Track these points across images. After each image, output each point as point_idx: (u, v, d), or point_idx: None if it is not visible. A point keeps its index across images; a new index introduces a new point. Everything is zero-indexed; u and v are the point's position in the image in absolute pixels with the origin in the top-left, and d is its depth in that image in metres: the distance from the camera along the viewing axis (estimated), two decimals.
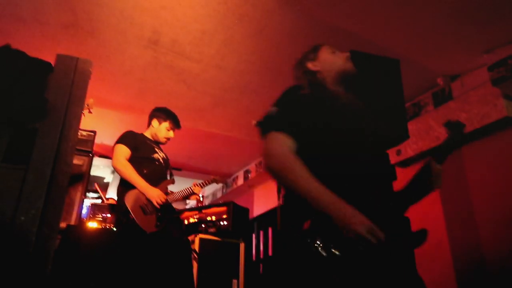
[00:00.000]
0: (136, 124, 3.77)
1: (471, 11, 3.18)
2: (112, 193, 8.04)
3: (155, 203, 2.99)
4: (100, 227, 3.82)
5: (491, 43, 3.57)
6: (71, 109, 1.59)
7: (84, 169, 3.50)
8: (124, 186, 3.05)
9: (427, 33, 3.46)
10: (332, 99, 1.64)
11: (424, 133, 4.19)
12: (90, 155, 3.59)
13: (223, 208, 4.09)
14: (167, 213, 3.09)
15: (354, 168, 1.43)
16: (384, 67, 2.67)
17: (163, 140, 3.33)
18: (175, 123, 3.38)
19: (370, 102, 2.44)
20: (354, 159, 1.45)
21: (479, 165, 3.84)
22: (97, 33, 3.68)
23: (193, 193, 3.27)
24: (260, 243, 4.74)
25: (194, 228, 4.10)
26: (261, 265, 4.63)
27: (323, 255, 1.22)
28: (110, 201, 5.31)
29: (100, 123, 5.26)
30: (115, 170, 3.10)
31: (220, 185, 8.30)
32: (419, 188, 1.59)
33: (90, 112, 3.29)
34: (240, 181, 7.45)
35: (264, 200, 6.83)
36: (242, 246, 4.00)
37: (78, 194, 3.38)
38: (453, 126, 1.67)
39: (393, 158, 4.32)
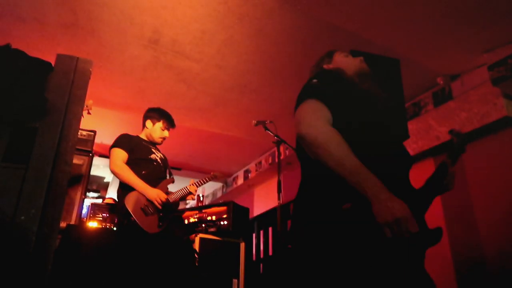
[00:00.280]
0: (136, 124, 3.77)
1: (471, 11, 3.18)
2: (112, 193, 8.05)
3: (156, 203, 2.99)
4: (100, 226, 3.82)
5: (491, 43, 3.57)
6: (71, 108, 1.60)
7: (84, 168, 3.49)
8: (124, 188, 3.04)
9: (427, 33, 3.46)
10: (357, 86, 1.65)
11: (424, 132, 4.19)
12: (90, 154, 3.58)
13: (223, 208, 4.09)
14: (169, 212, 3.08)
15: (379, 159, 1.37)
16: (384, 67, 2.67)
17: (158, 140, 3.33)
18: (169, 122, 3.37)
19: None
20: (380, 152, 1.42)
21: (479, 165, 3.84)
22: (97, 33, 3.68)
23: (189, 193, 3.27)
24: (260, 243, 4.74)
25: (194, 228, 4.10)
26: (261, 264, 4.63)
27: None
28: (110, 201, 5.32)
29: (100, 122, 5.26)
30: (113, 174, 3.10)
31: (220, 184, 8.31)
32: (436, 187, 1.58)
33: (89, 113, 3.29)
34: (240, 181, 7.45)
35: (264, 199, 6.83)
36: (242, 245, 4.00)
37: (78, 194, 3.38)
38: (458, 135, 1.68)
39: None
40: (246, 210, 4.31)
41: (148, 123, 3.34)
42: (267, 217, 4.73)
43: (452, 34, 3.47)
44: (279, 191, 3.51)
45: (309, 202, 1.43)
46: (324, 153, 1.28)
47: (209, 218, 4.12)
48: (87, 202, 4.13)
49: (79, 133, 3.39)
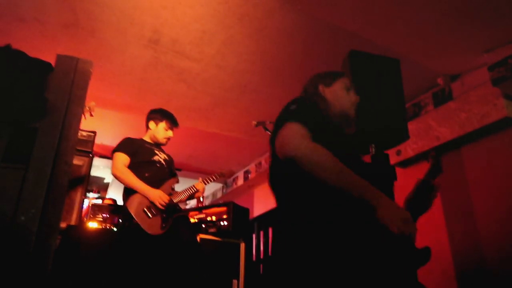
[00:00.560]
0: (136, 124, 3.77)
1: (471, 11, 3.18)
2: (112, 194, 8.04)
3: (158, 205, 2.98)
4: (100, 227, 3.82)
5: (491, 43, 3.57)
6: (71, 109, 1.60)
7: (84, 169, 3.49)
8: (127, 192, 3.05)
9: (427, 33, 3.46)
10: (329, 126, 1.64)
11: (424, 133, 4.19)
12: (90, 155, 3.58)
13: (223, 208, 4.08)
14: (173, 213, 3.07)
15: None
16: (384, 67, 2.67)
17: (163, 140, 3.33)
18: (172, 122, 3.37)
19: (370, 102, 2.45)
20: None
21: (479, 165, 3.84)
22: (98, 33, 3.68)
23: (197, 191, 3.26)
24: (260, 243, 4.74)
25: (194, 228, 4.10)
26: (261, 265, 4.62)
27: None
28: (110, 201, 5.32)
29: (100, 123, 5.26)
30: (115, 179, 3.10)
31: (220, 185, 8.31)
32: (419, 205, 1.62)
33: (91, 115, 3.29)
34: (240, 181, 7.45)
35: (264, 200, 6.82)
36: (242, 246, 4.00)
37: (78, 194, 3.38)
38: (434, 157, 1.77)
39: (393, 158, 4.32)
40: (246, 211, 4.31)
41: (151, 124, 3.34)
42: (267, 218, 4.72)
43: (452, 34, 3.47)
44: None
45: (292, 217, 1.45)
46: (321, 169, 1.31)
47: (209, 218, 4.12)
48: (87, 203, 4.13)
49: (79, 134, 3.39)
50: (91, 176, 3.68)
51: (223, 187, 8.25)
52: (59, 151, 1.50)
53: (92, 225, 3.77)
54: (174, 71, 4.26)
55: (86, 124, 3.21)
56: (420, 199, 1.65)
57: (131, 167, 3.10)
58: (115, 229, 3.76)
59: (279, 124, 1.49)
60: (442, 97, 4.18)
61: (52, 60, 1.65)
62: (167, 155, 3.37)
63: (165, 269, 2.85)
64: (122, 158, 3.11)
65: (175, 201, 3.10)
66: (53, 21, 3.54)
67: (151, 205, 2.98)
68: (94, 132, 3.72)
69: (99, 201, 5.63)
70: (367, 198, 1.26)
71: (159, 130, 3.32)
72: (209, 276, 3.63)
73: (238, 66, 4.14)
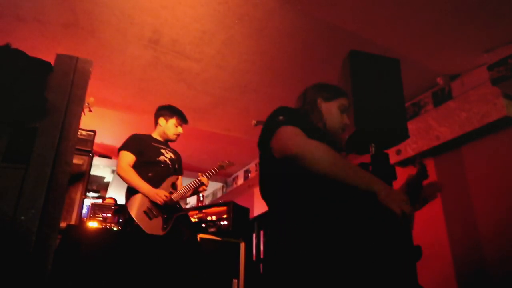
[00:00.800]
0: (136, 124, 3.78)
1: (471, 11, 3.18)
2: (112, 193, 8.04)
3: (158, 203, 2.98)
4: (100, 227, 3.82)
5: (491, 43, 3.57)
6: (71, 108, 1.60)
7: (84, 168, 3.49)
8: (129, 192, 3.05)
9: (427, 33, 3.46)
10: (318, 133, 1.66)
11: (424, 132, 4.19)
12: (90, 154, 3.58)
13: (223, 208, 4.08)
14: (173, 212, 3.07)
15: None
16: (384, 67, 2.67)
17: (173, 137, 3.33)
18: (182, 119, 3.38)
19: (370, 102, 2.45)
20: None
21: (479, 164, 3.84)
22: (97, 33, 3.68)
23: (201, 184, 3.26)
24: (260, 243, 4.74)
25: (195, 228, 4.09)
26: (261, 265, 4.62)
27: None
28: (111, 201, 5.32)
29: (100, 122, 5.26)
30: (119, 177, 3.10)
31: (220, 184, 8.31)
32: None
33: (90, 111, 3.28)
34: (240, 181, 7.45)
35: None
36: (242, 246, 4.00)
37: (78, 194, 3.38)
38: (420, 163, 1.81)
39: (393, 157, 4.31)
40: (246, 210, 4.31)
41: (161, 120, 3.34)
42: (267, 218, 4.72)
43: (452, 34, 3.47)
44: None
45: (285, 218, 1.48)
46: (325, 164, 1.35)
47: (209, 218, 4.12)
48: (87, 202, 4.13)
49: (79, 133, 3.39)
50: (91, 175, 3.67)
51: (223, 186, 8.25)
52: (59, 150, 1.50)
53: (92, 224, 3.77)
54: (174, 71, 4.26)
55: (86, 123, 3.21)
56: (411, 194, 1.68)
57: (136, 166, 3.10)
58: (115, 228, 3.77)
59: (271, 129, 1.50)
60: (442, 97, 4.18)
61: (52, 60, 1.65)
62: (174, 153, 3.36)
63: (165, 269, 2.85)
64: (128, 157, 3.11)
65: (175, 198, 3.09)
66: (53, 21, 3.54)
67: (152, 206, 2.98)
68: (94, 131, 3.72)
69: (99, 201, 5.63)
70: (371, 186, 1.30)
71: (170, 127, 3.32)
72: (209, 276, 3.63)
73: (238, 66, 4.14)
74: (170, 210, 3.04)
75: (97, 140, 4.31)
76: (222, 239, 3.92)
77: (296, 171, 1.41)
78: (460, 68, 3.99)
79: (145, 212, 2.94)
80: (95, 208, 3.98)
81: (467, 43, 3.59)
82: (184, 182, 3.43)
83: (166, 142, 3.35)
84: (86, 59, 1.71)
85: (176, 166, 3.32)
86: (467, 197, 3.83)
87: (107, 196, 7.76)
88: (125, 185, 3.16)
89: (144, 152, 3.16)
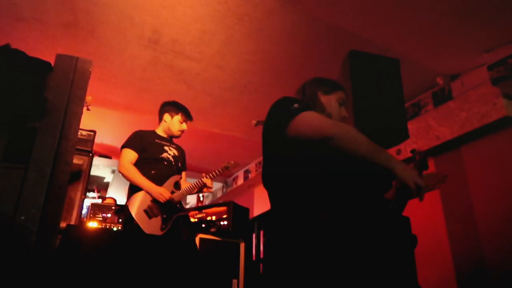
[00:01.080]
0: (136, 124, 3.77)
1: (471, 11, 3.18)
2: (112, 193, 8.04)
3: (160, 200, 2.98)
4: (100, 227, 3.82)
5: (491, 43, 3.57)
6: (71, 108, 1.60)
7: (84, 168, 3.49)
8: (131, 190, 3.05)
9: (427, 33, 3.46)
10: None
11: (424, 132, 4.19)
12: (90, 154, 3.58)
13: (223, 208, 4.08)
14: (173, 213, 3.07)
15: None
16: (384, 67, 2.67)
17: (177, 133, 3.33)
18: (187, 115, 3.38)
19: (370, 102, 2.45)
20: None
21: (479, 164, 3.84)
22: (97, 33, 3.68)
23: (205, 185, 3.25)
24: (260, 243, 4.74)
25: (194, 228, 4.09)
26: (261, 265, 4.62)
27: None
28: (111, 201, 5.32)
29: (100, 122, 5.26)
30: (122, 176, 3.10)
31: (220, 184, 8.30)
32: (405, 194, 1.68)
33: (88, 109, 3.28)
34: (240, 181, 7.45)
35: (264, 200, 6.80)
36: (242, 246, 4.00)
37: (78, 194, 3.37)
38: (419, 153, 1.86)
39: None
40: (246, 210, 4.31)
41: (167, 116, 3.33)
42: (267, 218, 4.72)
43: (452, 34, 3.47)
44: None
45: (285, 216, 1.50)
46: (360, 144, 1.43)
47: (209, 218, 4.12)
48: (87, 202, 4.13)
49: (79, 133, 3.39)
50: (91, 175, 3.67)
51: (223, 186, 8.25)
52: (59, 150, 1.50)
53: (92, 224, 3.77)
54: (174, 71, 4.26)
55: (86, 123, 3.21)
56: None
57: (138, 163, 3.09)
58: (114, 228, 3.77)
59: (290, 115, 1.52)
60: (442, 97, 4.18)
61: (52, 60, 1.65)
62: (178, 149, 3.35)
63: (165, 269, 2.85)
64: (129, 155, 3.10)
65: (176, 198, 3.09)
66: (53, 21, 3.54)
67: (153, 204, 2.97)
68: (94, 131, 3.72)
69: (99, 201, 5.63)
70: (390, 164, 1.41)
71: (175, 123, 3.31)
72: (209, 276, 3.63)
73: (238, 66, 4.14)
74: (170, 210, 3.04)
75: (97, 140, 4.31)
76: (222, 239, 3.92)
77: (308, 161, 1.48)
78: (460, 68, 3.99)
79: (145, 211, 2.93)
80: (95, 208, 3.98)
81: (467, 43, 3.59)
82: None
83: (170, 138, 3.34)
84: (86, 59, 1.71)
85: (179, 164, 3.30)
86: (467, 197, 3.83)
87: (107, 196, 7.76)
88: (125, 185, 3.15)
89: (147, 149, 3.15)
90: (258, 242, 4.76)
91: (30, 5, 3.34)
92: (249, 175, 7.15)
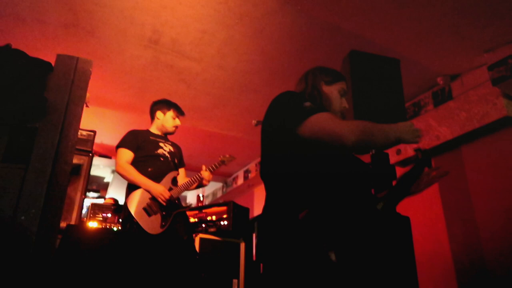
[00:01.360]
0: (136, 124, 3.77)
1: (471, 11, 3.18)
2: (112, 193, 8.04)
3: (160, 200, 2.98)
4: (100, 226, 3.82)
5: (491, 43, 3.57)
6: (71, 108, 1.60)
7: (84, 168, 3.49)
8: (129, 188, 3.05)
9: (427, 33, 3.46)
10: None
11: (424, 132, 4.19)
12: (90, 154, 3.58)
13: (223, 208, 4.08)
14: (172, 210, 3.07)
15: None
16: (384, 67, 2.67)
17: (172, 129, 3.34)
18: (179, 111, 3.39)
19: (370, 101, 2.45)
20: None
21: (479, 164, 3.84)
22: (98, 33, 3.68)
23: (203, 178, 3.26)
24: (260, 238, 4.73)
25: (194, 228, 4.10)
26: (261, 265, 4.63)
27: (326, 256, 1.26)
28: (111, 201, 5.31)
29: (100, 122, 5.26)
30: (120, 176, 3.10)
31: (220, 184, 8.31)
32: (406, 187, 1.69)
33: (87, 106, 3.28)
34: (240, 181, 7.45)
35: (264, 199, 6.82)
36: (242, 245, 4.00)
37: (78, 194, 3.38)
38: (423, 152, 1.84)
39: (393, 157, 4.32)
40: (246, 210, 4.31)
41: (159, 114, 3.34)
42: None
43: (452, 34, 3.47)
44: None
45: (273, 213, 1.51)
46: (380, 139, 1.47)
47: (209, 218, 4.12)
48: (87, 202, 4.13)
49: (79, 133, 3.39)
50: (91, 175, 3.68)
51: (223, 186, 8.25)
52: (59, 150, 1.50)
53: (92, 224, 3.77)
54: (174, 71, 4.26)
55: (86, 123, 3.21)
56: (412, 178, 1.72)
57: (135, 162, 3.10)
58: (114, 228, 3.77)
59: (302, 115, 1.50)
60: (442, 97, 4.18)
61: (52, 60, 1.65)
62: (174, 146, 3.36)
63: (165, 269, 2.85)
64: (126, 155, 3.11)
65: (174, 195, 3.09)
66: (53, 21, 3.54)
67: (152, 202, 2.98)
68: (94, 131, 3.72)
69: (99, 201, 5.63)
70: (397, 136, 1.50)
71: (168, 119, 3.33)
72: (209, 276, 3.63)
73: (238, 66, 4.14)
74: (169, 207, 3.04)
75: (97, 140, 4.31)
76: (222, 239, 3.92)
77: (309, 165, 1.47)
78: (460, 68, 3.99)
79: (144, 209, 2.94)
80: (95, 208, 3.98)
81: (467, 43, 3.59)
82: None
83: (165, 135, 3.35)
84: (86, 59, 1.71)
85: (176, 160, 3.31)
86: (467, 197, 3.83)
87: (107, 196, 7.76)
88: (125, 185, 3.15)
89: (142, 147, 3.16)
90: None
91: (30, 5, 3.34)
92: (249, 175, 7.16)
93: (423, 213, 4.02)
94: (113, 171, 7.63)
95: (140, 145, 3.16)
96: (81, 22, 3.55)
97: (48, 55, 1.70)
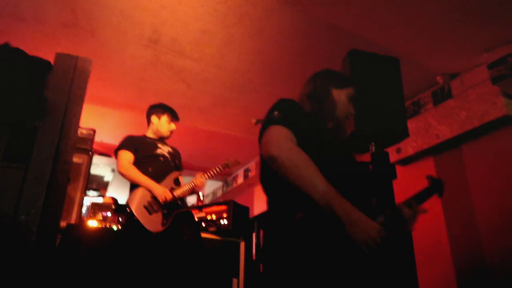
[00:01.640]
0: (135, 123, 3.78)
1: (471, 10, 3.18)
2: (112, 192, 8.04)
3: (160, 201, 2.98)
4: (100, 226, 3.82)
5: (491, 42, 3.57)
6: (71, 107, 1.60)
7: (84, 167, 3.49)
8: (132, 188, 3.05)
9: (427, 32, 3.46)
10: (320, 129, 1.68)
11: (424, 131, 4.19)
12: (90, 153, 3.58)
13: (223, 207, 4.09)
14: (174, 209, 3.06)
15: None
16: (384, 66, 2.67)
17: (166, 133, 3.35)
18: (173, 115, 3.40)
19: (370, 101, 2.45)
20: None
21: (479, 164, 3.84)
22: (97, 33, 3.68)
23: (195, 185, 3.24)
24: (260, 242, 4.74)
25: (199, 227, 4.10)
26: (261, 264, 4.63)
27: (320, 253, 1.25)
28: (110, 201, 5.31)
29: (100, 121, 5.26)
30: (122, 176, 3.10)
31: (220, 184, 8.31)
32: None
33: None
34: (240, 180, 7.45)
35: (264, 198, 6.82)
36: (242, 245, 4.00)
37: (78, 193, 3.38)
38: (435, 182, 1.85)
39: (393, 156, 4.32)
40: (246, 209, 4.31)
41: (154, 118, 3.35)
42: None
43: (451, 33, 3.47)
44: None
45: (272, 216, 1.52)
46: (295, 174, 1.34)
47: (209, 217, 4.12)
48: (87, 201, 4.13)
49: (78, 132, 3.39)
50: (91, 174, 3.68)
51: (223, 185, 8.25)
52: (58, 150, 1.50)
53: (92, 223, 3.77)
54: (173, 70, 4.26)
55: (86, 121, 3.21)
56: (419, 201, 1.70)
57: (135, 163, 3.11)
58: (114, 227, 3.77)
59: (264, 125, 1.52)
60: (441, 96, 4.18)
61: (51, 60, 1.65)
62: (172, 148, 3.36)
63: (165, 268, 2.85)
64: (126, 156, 3.12)
65: (177, 195, 3.09)
66: (53, 21, 3.54)
67: (153, 200, 2.98)
68: (94, 130, 3.72)
69: (99, 200, 5.63)
70: (335, 211, 1.29)
71: (163, 124, 3.34)
72: (209, 275, 3.63)
73: (238, 66, 4.14)
74: (171, 206, 3.04)
75: (97, 138, 4.31)
76: (222, 238, 3.93)
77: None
78: (460, 67, 3.99)
79: (145, 207, 2.94)
80: (95, 207, 3.98)
81: (467, 42, 3.59)
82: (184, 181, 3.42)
83: (161, 139, 3.36)
84: (86, 58, 1.71)
85: (177, 161, 3.31)
86: (467, 197, 3.83)
87: (107, 195, 7.76)
88: (125, 184, 3.16)
89: (140, 148, 3.17)
90: (258, 242, 4.77)
91: (30, 5, 3.34)
92: (249, 174, 7.16)
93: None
94: (113, 170, 7.64)
95: (138, 147, 3.17)
96: (81, 22, 3.55)
97: (48, 55, 1.70)
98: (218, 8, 3.32)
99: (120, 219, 3.85)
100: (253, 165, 7.06)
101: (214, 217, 4.09)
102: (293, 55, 3.91)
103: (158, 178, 3.06)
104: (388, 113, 2.53)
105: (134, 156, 3.13)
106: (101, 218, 3.90)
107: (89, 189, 6.49)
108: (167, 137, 3.38)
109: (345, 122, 1.84)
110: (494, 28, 3.38)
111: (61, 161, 1.49)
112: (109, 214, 3.97)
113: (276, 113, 1.55)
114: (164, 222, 2.96)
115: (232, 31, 3.61)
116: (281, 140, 1.41)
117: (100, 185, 8.32)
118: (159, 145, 3.26)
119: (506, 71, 3.47)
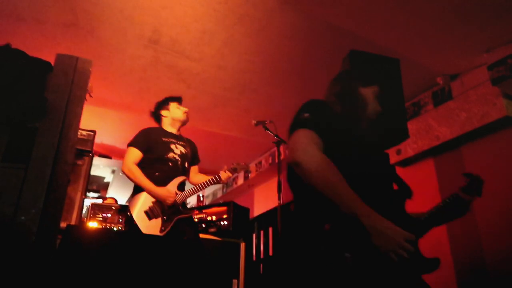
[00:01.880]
0: (135, 124, 3.76)
1: (471, 11, 3.18)
2: (112, 193, 8.04)
3: (164, 204, 2.97)
4: (100, 227, 3.82)
5: (491, 43, 3.57)
6: (71, 108, 1.60)
7: (84, 168, 3.49)
8: (135, 190, 3.04)
9: (427, 33, 3.46)
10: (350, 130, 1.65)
11: (424, 132, 4.19)
12: (90, 154, 3.58)
13: (223, 208, 4.08)
14: (175, 215, 3.05)
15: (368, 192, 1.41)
16: (384, 67, 2.67)
17: (183, 117, 3.32)
18: (178, 100, 3.37)
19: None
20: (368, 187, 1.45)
21: (479, 164, 3.84)
22: (97, 33, 3.68)
23: (221, 179, 3.25)
24: (260, 243, 4.74)
25: (197, 228, 4.10)
26: (261, 265, 4.62)
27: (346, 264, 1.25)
28: (112, 201, 5.32)
29: (100, 122, 5.26)
30: (125, 176, 3.08)
31: (220, 185, 8.30)
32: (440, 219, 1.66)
33: (90, 96, 3.25)
34: (240, 181, 7.45)
35: (264, 199, 6.83)
36: (242, 246, 4.00)
37: (78, 194, 3.37)
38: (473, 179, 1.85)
39: (393, 157, 4.32)
40: (246, 210, 4.31)
41: (165, 112, 3.30)
42: (267, 217, 4.72)
43: (452, 33, 3.47)
44: (279, 191, 3.50)
45: (297, 222, 1.49)
46: (320, 181, 1.32)
47: (209, 218, 4.12)
48: (87, 202, 4.13)
49: (79, 133, 3.39)
50: (91, 175, 3.67)
51: (223, 186, 8.25)
52: (59, 150, 1.50)
53: (93, 224, 3.77)
54: (174, 71, 4.26)
55: (86, 123, 3.20)
56: (445, 214, 1.70)
57: (143, 162, 3.07)
58: (115, 228, 3.76)
59: (291, 129, 1.49)
60: (441, 97, 4.18)
61: (52, 60, 1.65)
62: (187, 145, 3.30)
63: (165, 269, 2.84)
64: (134, 155, 3.06)
65: (178, 200, 3.07)
66: (53, 21, 3.54)
67: (154, 206, 2.96)
68: (94, 131, 3.71)
69: (99, 201, 5.63)
70: (361, 220, 1.27)
71: (174, 111, 3.30)
72: (209, 276, 3.63)
73: (238, 66, 4.14)
74: (172, 212, 3.02)
75: (97, 140, 4.31)
76: (222, 239, 3.92)
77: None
78: (460, 68, 3.99)
79: (145, 212, 2.93)
80: (95, 208, 3.98)
81: (467, 43, 3.59)
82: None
83: (179, 133, 3.32)
84: (86, 59, 1.71)
85: (186, 164, 3.24)
86: None
87: (107, 196, 7.76)
88: (125, 185, 3.15)
89: (153, 149, 3.10)
90: (258, 242, 4.76)
91: (30, 5, 3.34)
92: (249, 175, 7.15)
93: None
94: (113, 171, 7.63)
95: (151, 146, 3.11)
96: (81, 22, 3.55)
97: (48, 55, 1.70)
98: (218, 8, 3.32)
99: (121, 220, 3.85)
100: (253, 167, 7.05)
101: (214, 218, 4.09)
102: (293, 55, 3.91)
103: (162, 183, 3.03)
104: (388, 114, 2.53)
105: (143, 155, 3.10)
106: (101, 219, 3.90)
107: (89, 190, 6.49)
108: (186, 121, 3.34)
109: (375, 121, 1.80)
110: (494, 29, 3.38)
111: (61, 161, 1.49)
112: (109, 215, 3.97)
113: (306, 114, 1.52)
114: (162, 228, 2.94)
115: (232, 31, 3.61)
116: (307, 145, 1.39)
117: (100, 186, 8.32)
118: (172, 146, 3.18)
119: (506, 72, 3.47)
